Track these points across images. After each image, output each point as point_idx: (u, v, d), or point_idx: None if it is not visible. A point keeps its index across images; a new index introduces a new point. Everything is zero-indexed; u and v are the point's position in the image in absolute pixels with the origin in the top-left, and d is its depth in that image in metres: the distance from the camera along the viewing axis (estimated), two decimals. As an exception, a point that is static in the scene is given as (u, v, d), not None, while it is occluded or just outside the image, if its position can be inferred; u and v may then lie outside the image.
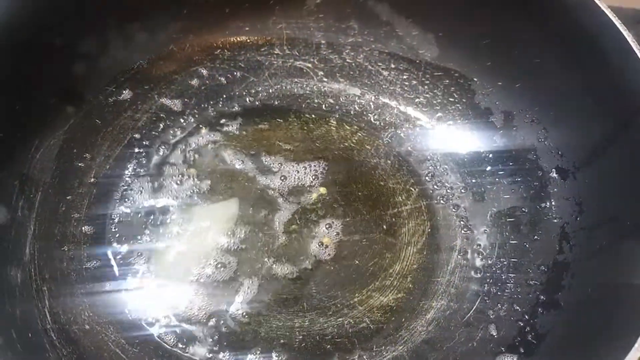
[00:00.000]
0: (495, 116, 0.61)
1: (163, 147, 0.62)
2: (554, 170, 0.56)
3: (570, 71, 0.53)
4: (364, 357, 0.52)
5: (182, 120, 0.63)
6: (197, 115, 0.64)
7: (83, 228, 0.56)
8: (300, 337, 0.53)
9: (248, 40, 0.66)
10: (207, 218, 0.58)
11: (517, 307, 0.52)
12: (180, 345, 0.52)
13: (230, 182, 0.60)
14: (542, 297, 0.51)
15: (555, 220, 0.54)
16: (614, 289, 0.44)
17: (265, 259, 0.56)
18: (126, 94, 0.62)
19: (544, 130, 0.57)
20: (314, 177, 0.61)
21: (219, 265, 0.55)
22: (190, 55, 0.65)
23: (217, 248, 0.56)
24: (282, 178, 0.60)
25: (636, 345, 0.35)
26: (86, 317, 0.51)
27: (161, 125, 0.63)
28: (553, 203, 0.55)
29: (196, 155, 0.62)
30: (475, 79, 0.62)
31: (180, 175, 0.60)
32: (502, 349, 0.50)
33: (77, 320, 0.51)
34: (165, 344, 0.52)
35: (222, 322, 0.53)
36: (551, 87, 0.56)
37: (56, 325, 0.49)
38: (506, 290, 0.54)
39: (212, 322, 0.53)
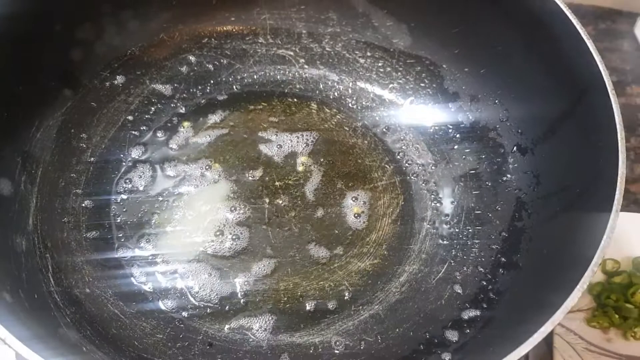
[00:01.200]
0: (462, 99, 0.66)
1: (154, 128, 0.66)
2: (514, 147, 0.61)
3: (529, 58, 0.58)
4: (343, 314, 0.57)
5: (172, 104, 0.68)
6: (186, 99, 0.68)
7: (82, 202, 0.60)
8: (285, 298, 0.58)
9: (234, 30, 0.70)
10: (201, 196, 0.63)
11: (481, 269, 0.57)
12: (174, 308, 0.56)
13: (219, 158, 0.64)
14: (502, 259, 0.56)
15: (515, 192, 0.59)
16: (563, 249, 0.50)
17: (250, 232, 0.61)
18: (120, 78, 0.66)
19: (506, 111, 0.62)
20: (303, 147, 0.65)
21: (217, 233, 0.60)
22: (180, 43, 0.69)
23: (213, 219, 0.61)
24: (270, 152, 0.65)
25: (576, 288, 0.41)
26: (87, 282, 0.55)
27: (152, 109, 0.67)
28: (513, 176, 0.60)
29: (185, 137, 0.66)
30: (444, 66, 0.67)
31: (172, 155, 0.64)
32: (467, 305, 0.55)
33: (78, 284, 0.55)
34: (160, 306, 0.56)
35: (213, 285, 0.58)
36: (512, 72, 0.61)
37: (59, 288, 0.53)
38: (471, 255, 0.59)
39: (203, 287, 0.58)
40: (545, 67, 0.57)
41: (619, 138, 0.47)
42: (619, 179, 0.45)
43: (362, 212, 0.63)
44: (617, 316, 0.62)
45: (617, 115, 0.47)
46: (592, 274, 0.41)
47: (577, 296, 0.41)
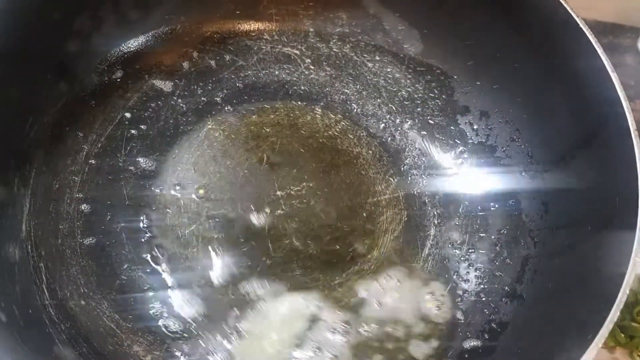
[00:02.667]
0: (472, 114, 0.65)
1: (153, 127, 0.63)
2: (523, 170, 0.60)
3: (546, 80, 0.57)
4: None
5: (171, 101, 0.65)
6: (186, 96, 0.65)
7: (76, 205, 0.58)
8: (285, 316, 0.57)
9: (238, 24, 0.67)
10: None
11: (483, 297, 0.57)
12: (171, 322, 0.55)
13: (217, 164, 0.62)
14: (506, 288, 0.56)
15: (521, 216, 0.59)
16: (571, 287, 0.49)
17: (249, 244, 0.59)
18: (118, 73, 0.63)
19: (517, 131, 0.61)
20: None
21: (209, 242, 0.59)
22: (182, 37, 0.65)
23: (207, 220, 0.59)
24: (269, 165, 0.63)
25: (593, 344, 0.40)
26: (82, 293, 0.54)
27: (151, 105, 0.64)
28: (521, 201, 0.60)
29: (185, 138, 0.63)
30: (455, 77, 0.65)
31: (170, 156, 0.62)
32: (469, 334, 0.55)
33: (73, 296, 0.53)
34: (157, 320, 0.55)
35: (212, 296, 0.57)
36: (527, 92, 0.60)
37: (54, 301, 0.51)
38: (474, 280, 0.58)
39: (197, 298, 0.56)
40: (563, 93, 0.55)
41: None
42: (637, 227, 0.44)
43: (365, 226, 0.62)
44: (622, 335, 0.61)
45: (639, 160, 0.46)
46: (607, 333, 0.40)
47: (593, 352, 0.40)
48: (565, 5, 0.52)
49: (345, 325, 0.56)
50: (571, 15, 0.52)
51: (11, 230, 0.52)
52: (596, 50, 0.51)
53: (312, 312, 0.57)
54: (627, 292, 0.41)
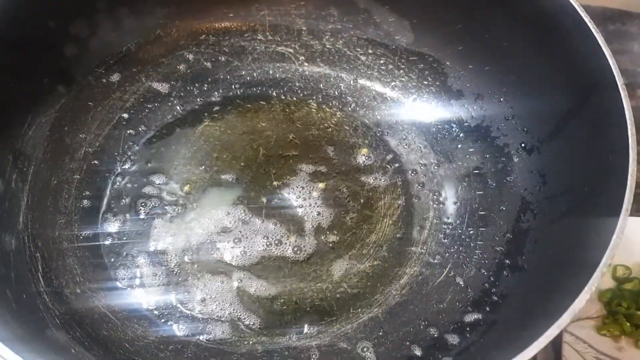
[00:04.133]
0: (467, 97, 0.64)
1: (150, 127, 0.64)
2: (520, 145, 0.59)
3: (535, 53, 0.57)
4: (342, 318, 0.55)
5: (168, 103, 0.66)
6: (182, 97, 0.67)
7: (73, 200, 0.58)
8: (282, 300, 0.56)
9: (232, 26, 0.69)
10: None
11: (484, 271, 0.55)
12: (164, 312, 0.55)
13: (215, 160, 0.63)
14: (507, 261, 0.54)
15: (520, 192, 0.58)
16: (570, 252, 0.48)
17: (248, 230, 0.59)
18: (115, 75, 0.64)
19: (511, 109, 0.61)
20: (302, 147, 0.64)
21: (212, 235, 0.58)
22: (177, 40, 0.67)
23: (208, 220, 0.59)
24: (265, 157, 0.64)
25: (583, 291, 0.39)
26: (78, 282, 0.54)
27: (148, 107, 0.65)
28: (518, 176, 0.58)
29: (182, 135, 0.64)
30: (448, 63, 0.65)
31: (167, 153, 0.63)
32: (469, 308, 0.53)
33: (69, 284, 0.53)
34: (151, 309, 0.55)
35: (208, 291, 0.56)
36: (518, 69, 0.59)
37: (49, 288, 0.51)
38: (474, 257, 0.57)
39: (196, 289, 0.56)
40: (553, 63, 0.55)
41: (630, 134, 0.45)
42: (629, 178, 0.43)
43: (363, 212, 0.61)
44: (628, 324, 0.60)
45: (628, 111, 0.46)
46: (601, 276, 0.39)
47: (584, 299, 0.39)
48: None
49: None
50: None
51: (8, 222, 0.53)
52: (579, 13, 0.50)
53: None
54: (620, 238, 0.40)
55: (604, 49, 0.49)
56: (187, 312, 0.55)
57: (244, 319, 0.55)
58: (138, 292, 0.55)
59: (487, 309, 0.52)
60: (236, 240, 0.58)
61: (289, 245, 0.59)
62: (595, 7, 0.89)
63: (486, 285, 0.54)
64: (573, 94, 0.53)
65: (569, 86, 0.53)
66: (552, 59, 0.55)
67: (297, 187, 0.62)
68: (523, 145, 0.59)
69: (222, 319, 0.55)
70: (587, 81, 0.51)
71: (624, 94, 0.46)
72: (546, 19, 0.54)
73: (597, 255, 0.41)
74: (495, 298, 0.52)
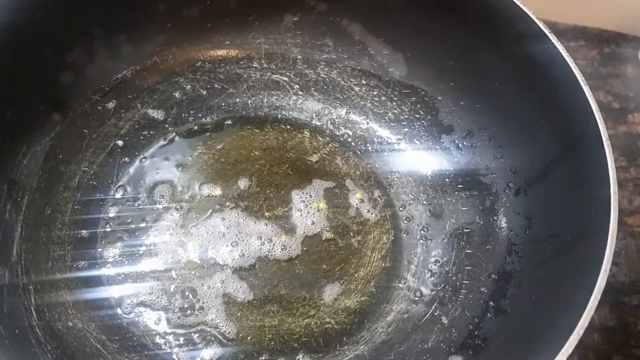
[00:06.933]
0: (457, 133, 0.65)
1: (144, 154, 0.65)
2: (507, 186, 0.60)
3: (524, 96, 0.57)
4: (328, 355, 0.57)
5: (163, 129, 0.67)
6: (177, 124, 0.67)
7: (67, 231, 0.59)
8: (270, 335, 0.57)
9: (228, 54, 0.70)
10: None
11: (468, 313, 0.56)
12: (158, 343, 0.56)
13: (208, 188, 0.64)
14: (491, 302, 0.56)
15: (506, 233, 0.59)
16: (553, 298, 0.49)
17: (239, 259, 0.60)
18: (111, 103, 0.65)
19: (500, 148, 0.62)
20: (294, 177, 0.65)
21: (203, 265, 0.59)
22: (173, 67, 0.68)
23: (200, 251, 0.60)
24: (258, 186, 0.64)
25: (563, 349, 0.40)
26: (70, 315, 0.55)
27: (143, 133, 0.66)
28: (505, 217, 0.60)
29: (176, 162, 0.65)
30: (439, 98, 0.66)
31: (161, 181, 0.64)
32: (453, 349, 0.54)
33: (60, 317, 0.54)
34: (144, 341, 0.56)
35: (200, 324, 0.57)
36: (508, 109, 0.60)
37: (41, 322, 0.52)
38: (459, 296, 0.58)
39: (187, 322, 0.57)
40: (541, 107, 0.56)
41: (612, 193, 0.46)
42: (609, 237, 0.44)
43: (352, 245, 0.62)
44: None
45: (612, 169, 0.46)
46: (582, 331, 0.40)
47: (566, 353, 0.40)
48: (537, 22, 0.53)
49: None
50: (544, 33, 0.53)
51: (2, 254, 0.53)
52: (569, 64, 0.51)
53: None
54: (599, 297, 0.41)
55: (591, 103, 0.49)
56: (177, 344, 0.56)
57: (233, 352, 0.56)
58: (130, 324, 0.56)
59: (470, 352, 0.53)
60: (228, 275, 0.59)
61: (277, 277, 0.60)
62: (592, 29, 0.90)
63: (470, 326, 0.55)
64: (559, 142, 0.54)
65: (556, 133, 0.54)
66: (540, 104, 0.56)
67: (288, 218, 0.63)
68: (510, 185, 0.60)
69: (211, 353, 0.56)
70: (573, 131, 0.52)
71: (608, 150, 0.47)
72: (536, 66, 0.55)
73: (579, 306, 0.42)
74: (479, 341, 0.54)
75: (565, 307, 0.45)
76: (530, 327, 0.50)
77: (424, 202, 0.65)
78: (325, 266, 0.61)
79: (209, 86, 0.69)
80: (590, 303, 0.41)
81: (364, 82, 0.69)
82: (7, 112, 0.56)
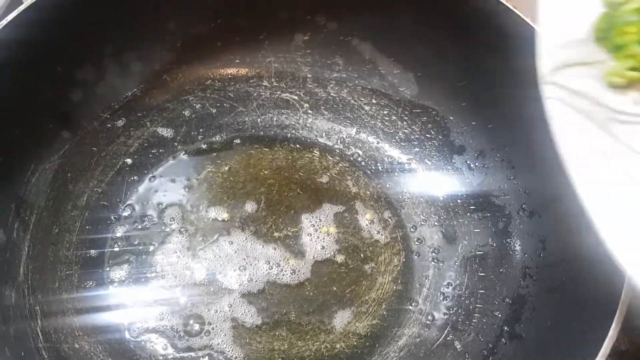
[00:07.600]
0: (469, 153, 0.65)
1: (153, 172, 0.64)
2: (520, 207, 0.59)
3: (536, 120, 0.57)
4: None
5: (172, 148, 0.66)
6: (186, 143, 0.67)
7: (75, 250, 0.58)
8: (279, 359, 0.56)
9: (238, 72, 0.69)
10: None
11: (481, 338, 0.55)
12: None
13: (217, 208, 0.63)
14: (505, 327, 0.55)
15: (520, 256, 0.58)
16: (569, 324, 0.48)
17: (247, 283, 0.59)
18: (120, 120, 0.65)
19: (513, 169, 0.61)
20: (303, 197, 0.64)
21: (212, 288, 0.58)
22: (183, 85, 0.68)
23: (208, 272, 0.59)
24: (267, 206, 0.64)
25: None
26: (76, 337, 0.54)
27: (153, 152, 0.65)
28: (519, 239, 0.59)
29: (184, 182, 0.64)
30: (451, 118, 0.66)
31: (170, 202, 0.63)
32: (467, 376, 0.53)
33: (67, 339, 0.53)
34: (151, 363, 0.55)
35: (206, 347, 0.56)
36: (520, 131, 0.60)
37: (47, 344, 0.51)
38: (473, 320, 0.57)
39: (194, 346, 0.56)
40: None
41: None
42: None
43: (362, 267, 0.61)
44: None
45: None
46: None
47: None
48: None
49: None
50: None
51: (9, 274, 0.53)
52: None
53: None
54: (619, 325, 0.40)
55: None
56: None
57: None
58: (139, 346, 0.55)
59: (485, 378, 0.52)
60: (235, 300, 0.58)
61: (287, 300, 0.59)
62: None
63: (484, 352, 0.54)
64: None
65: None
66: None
67: (297, 241, 0.62)
68: (524, 207, 0.59)
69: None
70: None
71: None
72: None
73: (597, 334, 0.41)
74: (493, 367, 0.53)
75: (583, 334, 0.44)
76: (546, 354, 0.49)
77: (436, 224, 0.64)
78: (335, 289, 0.60)
79: (218, 104, 0.69)
80: (611, 331, 0.40)
81: (374, 101, 0.69)
82: (16, 129, 0.56)
